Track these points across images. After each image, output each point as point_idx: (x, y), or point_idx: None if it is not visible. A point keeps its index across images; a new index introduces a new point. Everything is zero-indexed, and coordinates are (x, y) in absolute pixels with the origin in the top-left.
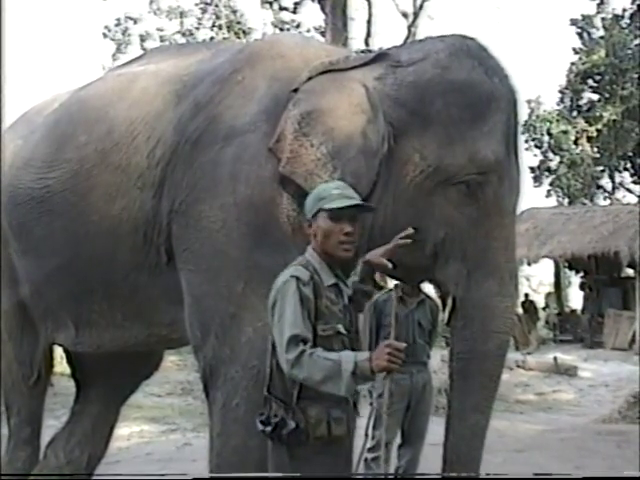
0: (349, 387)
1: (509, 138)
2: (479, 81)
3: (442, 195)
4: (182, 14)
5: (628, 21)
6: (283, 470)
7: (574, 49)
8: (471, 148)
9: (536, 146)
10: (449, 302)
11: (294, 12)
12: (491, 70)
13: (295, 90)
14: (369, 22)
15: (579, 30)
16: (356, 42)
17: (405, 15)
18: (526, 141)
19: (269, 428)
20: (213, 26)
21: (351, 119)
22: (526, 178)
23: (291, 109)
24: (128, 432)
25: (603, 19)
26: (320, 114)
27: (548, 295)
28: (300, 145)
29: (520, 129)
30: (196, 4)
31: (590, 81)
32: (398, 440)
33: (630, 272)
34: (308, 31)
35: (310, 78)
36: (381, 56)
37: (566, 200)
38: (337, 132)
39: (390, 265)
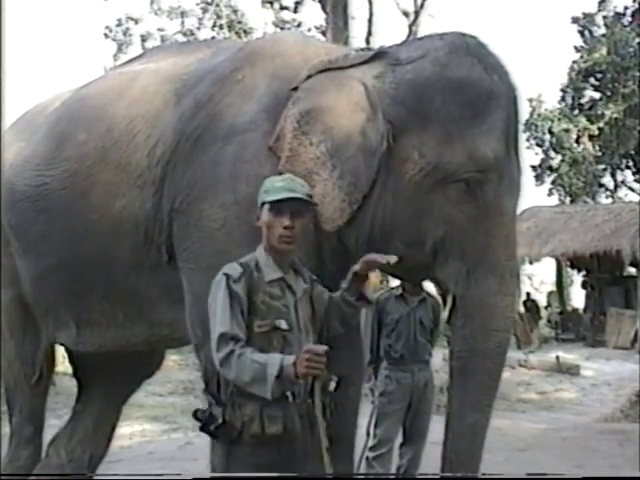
0: (275, 391)
1: (509, 136)
2: (478, 79)
3: (441, 193)
4: (183, 14)
5: (630, 19)
6: (219, 468)
7: (575, 47)
8: (470, 146)
9: (538, 144)
10: (449, 300)
11: (295, 11)
12: (491, 67)
13: (295, 89)
14: (370, 21)
15: (580, 28)
16: (357, 41)
17: (406, 14)
18: (527, 140)
19: (200, 422)
20: (214, 26)
21: (350, 117)
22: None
23: (290, 108)
24: (130, 431)
25: (605, 17)
26: (319, 112)
27: (550, 294)
28: (299, 144)
29: (521, 127)
30: (197, 4)
31: (592, 79)
32: (400, 439)
33: (632, 271)
34: (309, 30)
35: (309, 76)
36: (380, 54)
37: (568, 199)
38: (336, 130)
39: (392, 259)
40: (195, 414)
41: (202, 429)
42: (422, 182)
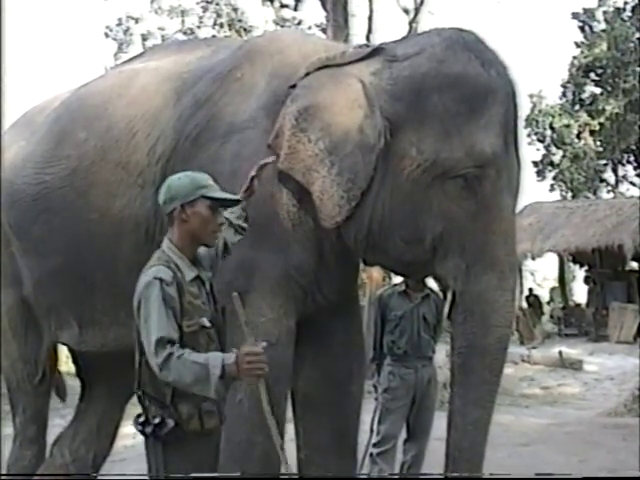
0: (218, 389)
1: (507, 131)
2: (475, 74)
3: (440, 189)
4: (183, 13)
5: (630, 14)
6: (157, 463)
7: (576, 43)
8: (468, 142)
9: (539, 140)
10: (449, 296)
11: (295, 9)
12: (488, 63)
13: (293, 86)
14: (370, 18)
15: (581, 23)
16: (358, 38)
17: (406, 11)
18: (529, 135)
19: (149, 429)
20: (214, 24)
21: (348, 115)
22: (529, 172)
23: (289, 105)
24: (133, 430)
25: (605, 12)
26: (317, 110)
27: (552, 289)
28: (298, 141)
29: (522, 123)
30: (197, 3)
31: (592, 74)
32: (403, 435)
33: (634, 265)
34: (309, 28)
35: (307, 74)
36: (377, 51)
37: (569, 194)
38: (334, 128)
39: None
40: (140, 421)
41: (153, 434)
42: (420, 178)
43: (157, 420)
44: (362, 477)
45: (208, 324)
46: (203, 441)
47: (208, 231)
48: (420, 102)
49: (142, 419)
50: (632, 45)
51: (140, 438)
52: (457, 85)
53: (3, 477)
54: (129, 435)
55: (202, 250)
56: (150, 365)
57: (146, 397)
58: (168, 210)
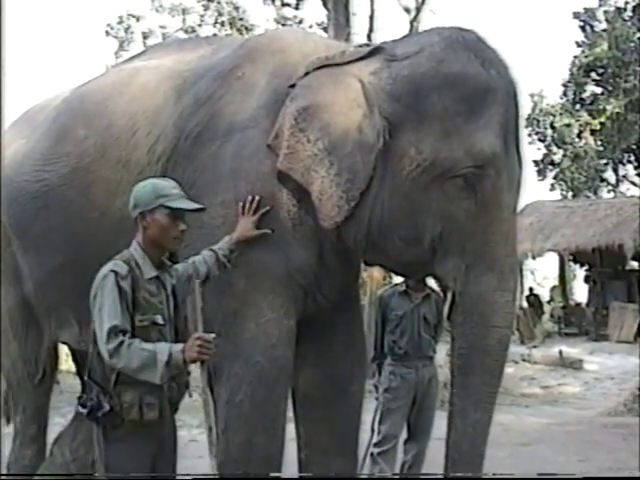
0: (163, 376)
1: (507, 131)
2: (475, 73)
3: (439, 189)
4: (184, 11)
5: (631, 14)
6: (99, 451)
7: (577, 42)
8: (467, 141)
9: (539, 140)
10: (449, 297)
11: (296, 8)
12: (488, 62)
13: (292, 86)
14: (371, 17)
15: (582, 23)
16: (359, 37)
17: (407, 10)
18: (529, 135)
19: (86, 410)
20: (215, 23)
21: (347, 114)
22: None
23: (288, 105)
24: None
25: (606, 12)
26: (316, 109)
27: (553, 289)
28: (297, 141)
29: (522, 122)
30: (198, 1)
31: (593, 74)
32: (404, 435)
33: (635, 265)
34: (310, 27)
35: (307, 73)
36: (377, 50)
37: (570, 193)
38: (333, 127)
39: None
40: (81, 402)
41: (88, 416)
42: (419, 178)
43: (93, 402)
44: (363, 477)
45: (161, 321)
46: (142, 433)
47: (168, 238)
48: (419, 102)
49: (82, 400)
50: (633, 45)
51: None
52: (456, 85)
53: (3, 477)
54: None
55: (180, 267)
56: (101, 354)
57: (92, 382)
58: (133, 216)
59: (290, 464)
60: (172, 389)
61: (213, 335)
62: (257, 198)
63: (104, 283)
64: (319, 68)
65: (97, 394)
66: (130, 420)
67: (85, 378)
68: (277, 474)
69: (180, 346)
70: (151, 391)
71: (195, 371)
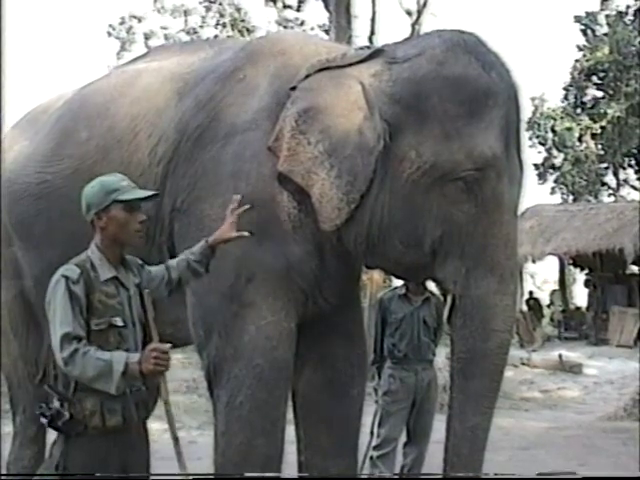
0: (119, 386)
1: (508, 134)
2: (475, 76)
3: (439, 192)
4: (186, 12)
5: (632, 18)
6: (60, 459)
7: (578, 46)
8: (468, 144)
9: (540, 143)
10: (449, 300)
11: (298, 10)
12: (489, 65)
13: (293, 88)
14: (373, 20)
15: (583, 27)
16: (360, 40)
17: (409, 13)
18: (530, 138)
19: (46, 420)
20: (217, 24)
21: (348, 117)
22: (530, 175)
23: (289, 107)
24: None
25: (607, 16)
26: (317, 112)
27: (553, 292)
28: (297, 143)
29: (523, 125)
30: (200, 2)
31: (594, 78)
32: (404, 438)
33: (635, 269)
34: (312, 29)
35: (308, 76)
36: (377, 52)
37: (570, 197)
38: (334, 130)
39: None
40: (41, 411)
41: (49, 425)
42: (420, 181)
43: (53, 411)
44: (362, 478)
45: (120, 323)
46: (107, 440)
47: (129, 232)
48: (419, 104)
49: (42, 410)
50: (634, 49)
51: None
52: (457, 87)
53: (3, 477)
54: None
55: (154, 269)
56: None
57: (51, 389)
58: (88, 220)
59: (290, 466)
60: (140, 392)
61: (169, 345)
62: (238, 197)
63: (56, 289)
64: (320, 70)
65: (57, 402)
66: (93, 427)
67: (45, 386)
68: (275, 474)
69: (137, 356)
70: (113, 397)
71: (195, 372)
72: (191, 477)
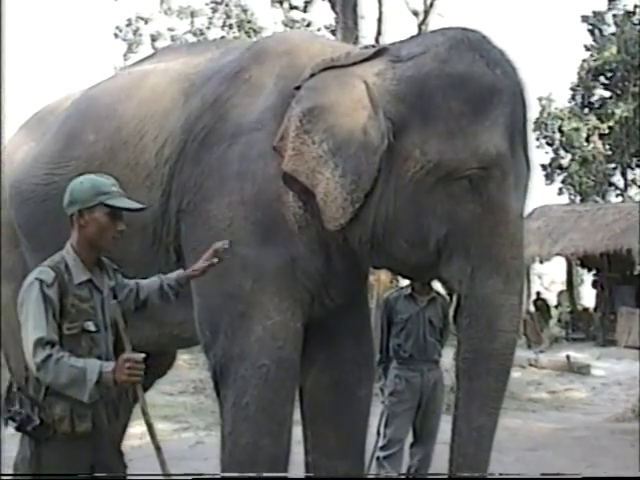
0: (92, 395)
1: (514, 132)
2: (480, 74)
3: (444, 191)
4: (193, 14)
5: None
6: (29, 462)
7: (585, 46)
8: (472, 142)
9: (548, 143)
10: (455, 299)
11: (304, 11)
12: (493, 62)
13: (298, 87)
14: (380, 20)
15: (590, 27)
16: (367, 41)
17: (415, 13)
18: (537, 139)
19: (15, 424)
20: (224, 25)
21: (352, 116)
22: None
23: (293, 107)
24: (140, 431)
25: (614, 16)
26: (321, 111)
27: (560, 293)
28: (302, 143)
29: (530, 124)
30: (207, 4)
31: (602, 78)
32: (410, 439)
33: None
34: (319, 30)
35: (312, 75)
36: (382, 51)
37: (578, 198)
38: (338, 129)
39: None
40: (10, 415)
41: (18, 429)
42: (424, 180)
43: (23, 415)
44: (372, 476)
45: (93, 328)
46: (76, 445)
47: (106, 237)
48: (423, 103)
49: (10, 414)
50: None
51: (147, 439)
52: (461, 85)
53: (3, 477)
54: (136, 435)
55: (127, 281)
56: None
57: (22, 395)
58: (68, 214)
59: (297, 467)
60: (110, 394)
61: (143, 355)
62: (220, 244)
63: (29, 292)
64: (324, 70)
65: (28, 406)
66: (62, 432)
67: (14, 390)
68: (281, 474)
69: (111, 365)
70: (83, 403)
71: (202, 373)
72: (191, 477)
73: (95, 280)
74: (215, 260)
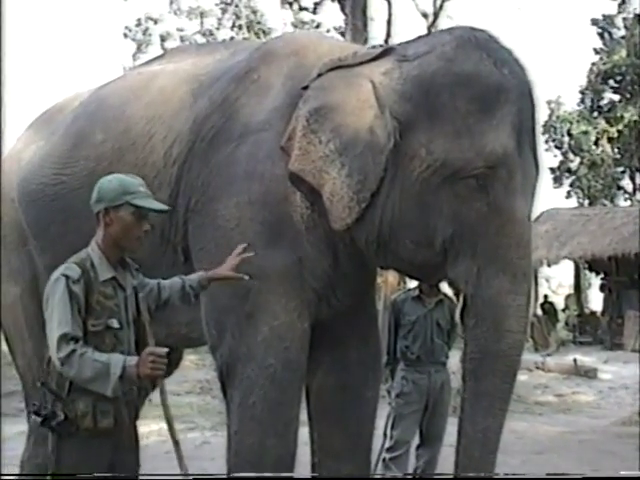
0: (115, 389)
1: (521, 131)
2: (487, 73)
3: (450, 190)
4: (202, 14)
5: None
6: (51, 458)
7: (595, 49)
8: (479, 142)
9: (556, 147)
10: (461, 300)
11: (314, 12)
12: (500, 61)
13: (305, 87)
14: (389, 22)
15: (600, 30)
16: (376, 42)
17: (425, 15)
18: (546, 142)
19: (40, 418)
20: (233, 26)
21: (358, 115)
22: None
23: (301, 107)
24: (147, 430)
25: (624, 19)
26: (328, 111)
27: (568, 297)
28: (309, 142)
29: (538, 124)
30: (216, 4)
31: (611, 81)
32: (416, 440)
33: None
34: (328, 31)
35: (320, 75)
36: (388, 51)
37: (586, 201)
38: (344, 128)
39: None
40: (35, 410)
41: (42, 425)
42: (430, 179)
43: (48, 411)
44: (379, 477)
45: (117, 325)
46: (98, 442)
47: (131, 237)
48: (429, 102)
49: (35, 408)
50: None
51: (153, 438)
52: (467, 84)
53: (3, 477)
54: (142, 435)
55: (148, 280)
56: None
57: (47, 391)
58: (95, 211)
59: (303, 467)
60: (131, 393)
61: (166, 350)
62: (244, 246)
63: (55, 288)
64: (331, 69)
65: (51, 402)
66: (85, 428)
67: (39, 385)
68: (287, 475)
69: (135, 360)
70: (105, 398)
71: (209, 373)
72: (192, 477)
73: (119, 278)
74: (245, 277)
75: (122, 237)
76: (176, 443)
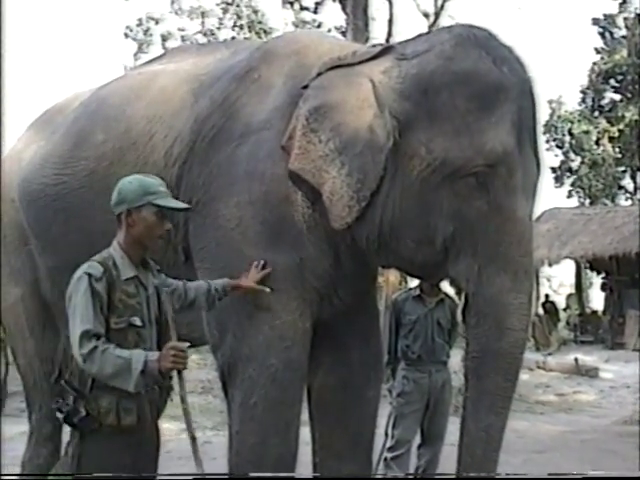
0: (138, 384)
1: (521, 129)
2: (486, 71)
3: (450, 189)
4: (203, 14)
5: None
6: (75, 455)
7: (596, 49)
8: (478, 140)
9: (557, 146)
10: (462, 298)
11: (315, 12)
12: (500, 59)
13: (305, 87)
14: (390, 22)
15: (601, 30)
16: (377, 42)
17: (426, 15)
18: (547, 141)
19: (62, 415)
20: (234, 26)
21: (358, 114)
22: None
23: (301, 106)
24: None
25: (625, 19)
26: (328, 110)
27: (569, 296)
28: (308, 141)
29: (540, 128)
30: (217, 4)
31: (612, 81)
32: (418, 440)
33: None
34: (329, 31)
35: (319, 74)
36: (388, 49)
37: (587, 200)
38: (344, 127)
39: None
40: (58, 407)
41: (65, 421)
42: (430, 178)
43: (70, 407)
44: (380, 476)
45: (139, 323)
46: (120, 439)
47: (153, 236)
48: (429, 100)
49: (58, 405)
50: None
51: (162, 439)
52: (467, 82)
53: (4, 477)
54: None
55: (171, 280)
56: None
57: (69, 388)
58: (116, 212)
59: (304, 467)
60: (154, 392)
61: (187, 344)
62: (262, 263)
63: (78, 286)
64: (331, 68)
65: (74, 399)
66: (107, 425)
67: (62, 382)
68: (288, 474)
69: (156, 355)
70: (129, 395)
71: (210, 373)
72: (192, 477)
73: (141, 277)
74: (267, 289)
75: (145, 236)
76: (193, 439)
